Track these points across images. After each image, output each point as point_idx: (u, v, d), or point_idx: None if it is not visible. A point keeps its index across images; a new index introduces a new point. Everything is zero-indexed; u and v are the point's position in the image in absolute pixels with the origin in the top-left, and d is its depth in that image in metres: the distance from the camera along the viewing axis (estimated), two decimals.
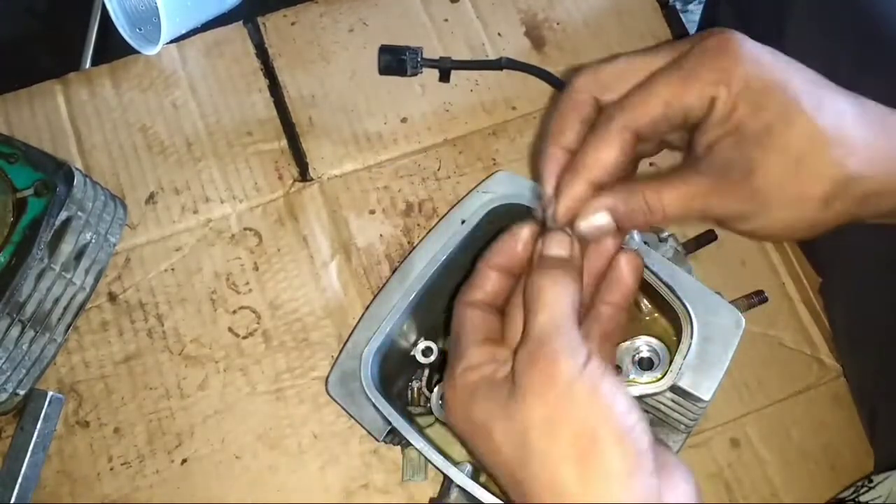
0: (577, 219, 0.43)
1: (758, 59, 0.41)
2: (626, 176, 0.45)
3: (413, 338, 0.64)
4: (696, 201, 0.42)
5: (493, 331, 0.46)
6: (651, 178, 0.43)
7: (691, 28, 0.85)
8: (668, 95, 0.42)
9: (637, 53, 0.44)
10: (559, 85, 0.78)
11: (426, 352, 0.64)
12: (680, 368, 0.57)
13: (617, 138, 0.43)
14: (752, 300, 0.70)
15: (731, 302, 0.61)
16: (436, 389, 0.62)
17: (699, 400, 0.57)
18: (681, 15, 0.85)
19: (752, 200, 0.41)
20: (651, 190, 0.42)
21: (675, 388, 0.58)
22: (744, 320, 0.58)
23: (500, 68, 0.79)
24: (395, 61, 0.78)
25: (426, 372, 0.65)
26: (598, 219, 0.43)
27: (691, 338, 0.58)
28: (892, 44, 0.62)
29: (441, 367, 0.67)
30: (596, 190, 0.43)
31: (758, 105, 0.40)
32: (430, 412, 0.62)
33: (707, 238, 0.72)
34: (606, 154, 0.43)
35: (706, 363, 0.57)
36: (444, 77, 0.79)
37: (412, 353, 0.64)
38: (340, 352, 0.64)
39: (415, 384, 0.65)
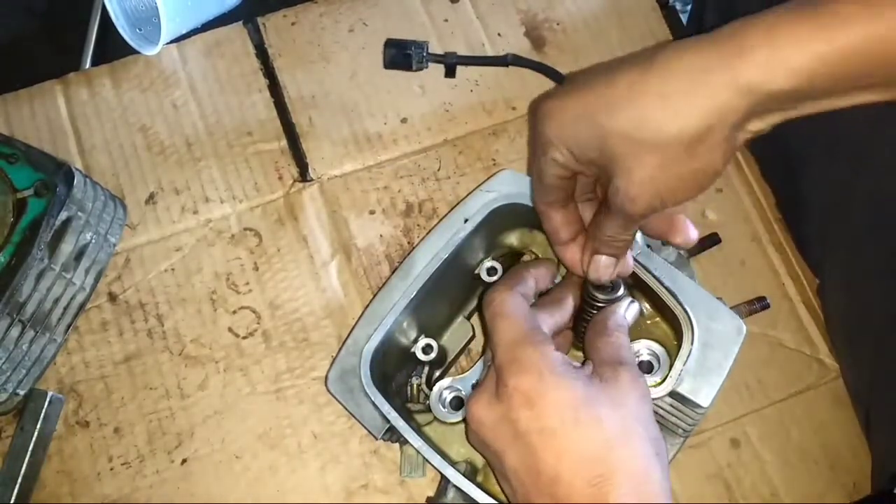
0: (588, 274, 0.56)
1: (555, 109, 0.49)
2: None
3: (413, 335, 0.65)
4: (618, 227, 0.52)
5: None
6: (594, 225, 0.55)
7: None
8: (536, 172, 0.54)
9: None
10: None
11: (426, 349, 0.64)
12: (680, 374, 0.57)
13: (542, 213, 0.56)
14: (754, 306, 0.70)
15: (733, 308, 0.61)
16: (435, 387, 0.62)
17: (698, 406, 0.57)
18: (680, 15, 0.85)
19: (638, 202, 0.48)
20: (598, 235, 0.54)
21: (674, 394, 0.58)
22: (745, 327, 0.58)
23: (507, 65, 0.79)
24: (401, 55, 0.78)
25: (426, 369, 0.65)
26: (593, 269, 0.56)
27: (692, 343, 0.58)
28: None
29: (441, 364, 0.67)
30: (573, 242, 0.57)
31: (580, 143, 0.48)
32: (429, 409, 0.62)
33: (711, 241, 0.72)
34: (547, 225, 0.57)
35: (706, 369, 0.57)
36: (450, 72, 0.79)
37: (412, 350, 0.64)
38: (340, 348, 0.64)
39: (414, 381, 0.65)
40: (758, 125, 0.45)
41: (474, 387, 0.61)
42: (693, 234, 0.55)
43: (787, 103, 0.44)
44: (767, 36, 0.42)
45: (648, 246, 0.63)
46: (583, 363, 0.54)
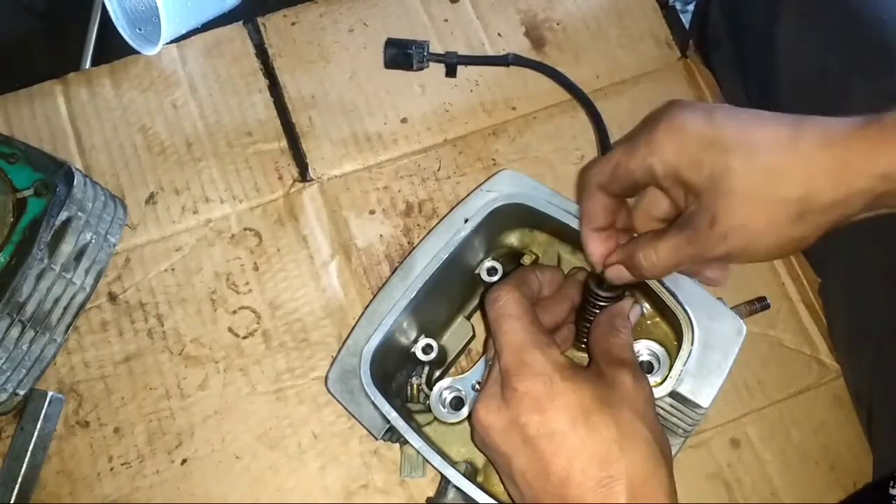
0: (604, 270, 0.55)
1: (688, 124, 0.48)
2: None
3: (413, 335, 0.65)
4: (682, 252, 0.50)
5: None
6: (651, 236, 0.52)
7: None
8: (616, 161, 0.52)
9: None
10: (565, 82, 0.78)
11: (426, 349, 0.64)
12: (680, 374, 0.57)
13: (592, 194, 0.54)
14: (755, 306, 0.70)
15: (733, 308, 0.61)
16: (435, 387, 0.62)
17: (698, 407, 0.57)
18: (680, 15, 0.84)
19: (726, 242, 0.47)
20: (647, 248, 0.52)
21: (674, 394, 0.58)
22: (745, 328, 0.58)
23: (507, 64, 0.79)
24: (402, 55, 0.78)
25: (426, 369, 0.65)
26: (614, 271, 0.55)
27: (692, 344, 0.58)
28: (882, 45, 0.63)
29: (441, 364, 0.67)
30: (602, 231, 0.55)
31: (696, 163, 0.48)
32: (429, 409, 0.62)
33: None
34: (589, 204, 0.55)
35: (706, 370, 0.57)
36: (451, 72, 0.79)
37: (412, 350, 0.64)
38: (340, 348, 0.64)
39: (414, 381, 0.65)
40: (868, 214, 0.47)
41: (474, 387, 0.61)
42: (726, 276, 0.55)
43: None
44: None
45: None
46: (588, 364, 0.55)
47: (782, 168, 0.46)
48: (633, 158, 0.51)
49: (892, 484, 0.58)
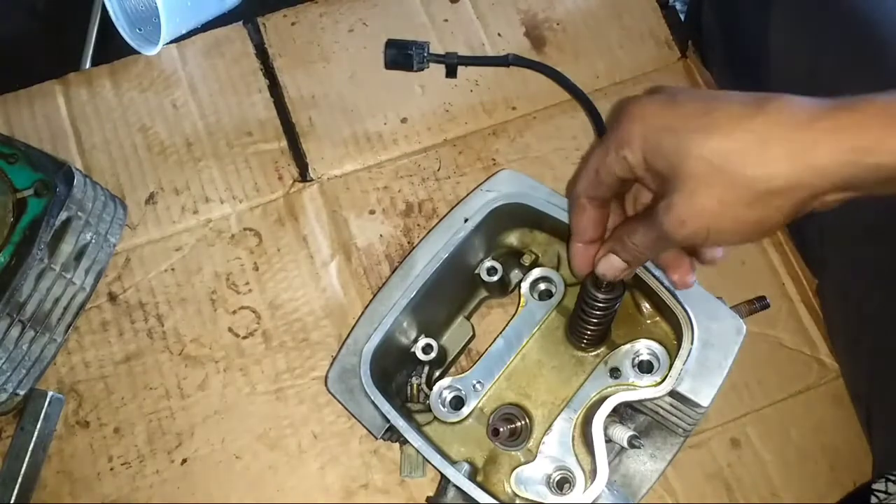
0: (596, 265, 0.56)
1: (649, 111, 0.49)
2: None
3: (413, 334, 0.65)
4: (648, 238, 0.51)
5: None
6: (630, 220, 0.54)
7: None
8: (596, 164, 0.52)
9: None
10: (565, 82, 0.78)
11: (426, 349, 0.64)
12: (680, 373, 0.57)
13: (580, 205, 0.55)
14: (754, 306, 0.70)
15: (733, 307, 0.61)
16: (435, 387, 0.62)
17: (698, 406, 0.57)
18: (680, 15, 0.85)
19: (685, 227, 0.47)
20: (626, 231, 0.53)
21: (674, 394, 0.58)
22: (745, 327, 0.58)
23: (508, 65, 0.79)
24: (402, 56, 0.78)
25: (426, 369, 0.65)
26: (605, 263, 0.55)
27: (692, 343, 0.58)
28: (873, 44, 0.63)
29: (441, 364, 0.67)
30: (591, 244, 0.56)
31: (658, 149, 0.48)
32: (429, 409, 0.62)
33: None
34: (578, 219, 0.56)
35: (706, 369, 0.57)
36: (451, 73, 0.79)
37: (412, 349, 0.64)
38: (340, 348, 0.64)
39: (414, 380, 0.65)
40: (835, 197, 0.46)
41: (475, 387, 0.62)
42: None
43: (883, 182, 0.44)
44: (884, 112, 0.42)
45: None
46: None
47: (736, 149, 0.45)
48: (608, 156, 0.51)
49: (874, 479, 0.58)
